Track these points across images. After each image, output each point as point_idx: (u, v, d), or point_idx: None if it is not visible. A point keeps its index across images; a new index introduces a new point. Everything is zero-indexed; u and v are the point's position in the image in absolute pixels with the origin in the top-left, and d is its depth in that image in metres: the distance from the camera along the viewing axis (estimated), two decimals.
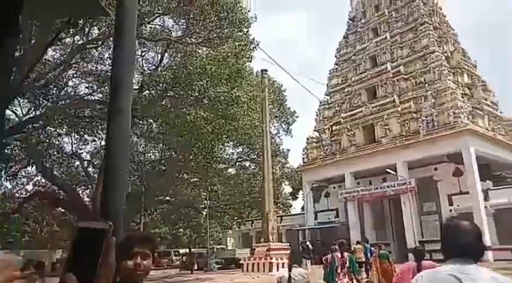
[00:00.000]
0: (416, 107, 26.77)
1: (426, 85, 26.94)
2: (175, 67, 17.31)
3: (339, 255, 10.22)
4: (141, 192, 22.53)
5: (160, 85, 16.86)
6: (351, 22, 36.58)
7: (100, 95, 21.45)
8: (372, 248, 22.37)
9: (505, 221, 21.99)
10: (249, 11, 18.62)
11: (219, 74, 15.57)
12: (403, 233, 25.04)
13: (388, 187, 26.12)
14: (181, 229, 45.66)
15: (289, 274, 4.71)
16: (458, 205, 23.96)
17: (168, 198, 32.88)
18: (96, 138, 27.55)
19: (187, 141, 18.16)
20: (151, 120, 20.99)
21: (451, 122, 24.21)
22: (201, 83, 14.76)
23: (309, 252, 24.08)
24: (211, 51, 16.79)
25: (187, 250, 37.74)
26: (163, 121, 18.52)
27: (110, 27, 20.69)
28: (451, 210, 24.37)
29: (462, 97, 25.94)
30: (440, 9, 33.28)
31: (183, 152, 21.02)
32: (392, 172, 24.71)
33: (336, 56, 35.85)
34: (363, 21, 34.31)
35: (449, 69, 27.50)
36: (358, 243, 22.07)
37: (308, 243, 25.78)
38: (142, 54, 24.57)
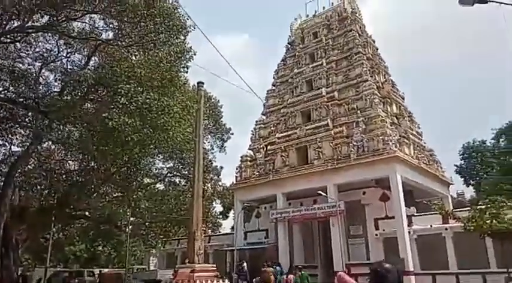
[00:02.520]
0: (348, 132, 27.35)
1: (358, 111, 27.69)
2: (100, 69, 15.80)
3: (285, 277, 10.84)
4: (53, 205, 20.15)
5: (83, 86, 15.28)
6: (289, 46, 37.15)
7: (12, 94, 19.11)
8: (283, 270, 22.30)
9: (427, 246, 22.75)
10: (187, 18, 17.80)
11: (149, 79, 14.43)
12: (330, 256, 24.99)
13: (318, 209, 26.11)
14: (100, 248, 42.34)
15: None
16: (383, 230, 24.49)
17: (86, 212, 30.24)
18: (6, 143, 24.67)
19: (110, 151, 16.59)
20: (71, 126, 19.07)
21: (380, 148, 24.93)
22: (128, 86, 13.46)
23: (245, 274, 23.18)
24: (144, 56, 15.64)
25: (105, 270, 34.85)
26: (83, 127, 16.79)
27: (30, 20, 18.71)
28: (376, 234, 24.86)
29: (391, 125, 26.95)
30: (374, 42, 34.94)
31: (105, 163, 19.24)
32: (323, 194, 24.75)
33: (273, 77, 36.06)
34: (301, 46, 34.96)
35: (380, 98, 28.60)
36: (268, 265, 21.90)
37: (244, 264, 24.82)
38: (68, 55, 22.60)
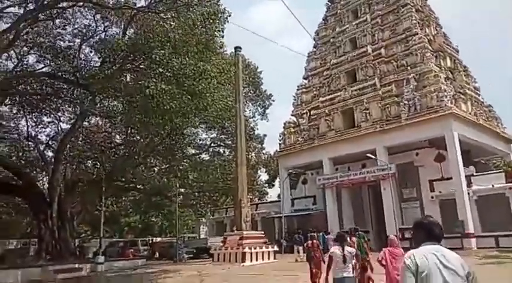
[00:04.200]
0: (398, 91, 25.62)
1: (408, 68, 25.79)
2: (134, 36, 15.35)
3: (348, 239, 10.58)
4: (102, 178, 20.60)
5: (119, 56, 14.96)
6: (330, 4, 35.02)
7: (52, 69, 19.23)
8: (329, 235, 21.58)
9: (488, 208, 21.21)
10: None
11: (184, 44, 13.80)
12: (382, 221, 24.07)
13: (367, 173, 25.04)
14: (153, 218, 43.90)
15: (343, 250, 5.85)
16: (440, 192, 23.07)
17: (138, 185, 31.05)
18: (55, 120, 25.40)
19: (152, 121, 16.37)
20: (113, 99, 19.04)
21: (434, 105, 23.16)
22: (163, 52, 12.92)
23: (301, 239, 23.07)
24: (177, 21, 14.97)
25: (158, 239, 36.11)
26: (124, 99, 16.63)
27: None
28: (432, 197, 23.50)
29: (445, 81, 24.91)
30: None
31: (149, 134, 19.16)
32: (373, 157, 23.56)
33: (314, 39, 34.35)
34: (342, 2, 32.81)
35: (432, 52, 26.42)
36: (312, 232, 21.20)
37: (299, 231, 24.60)
38: (105, 29, 22.50)
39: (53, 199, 20.73)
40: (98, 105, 21.83)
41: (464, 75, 27.89)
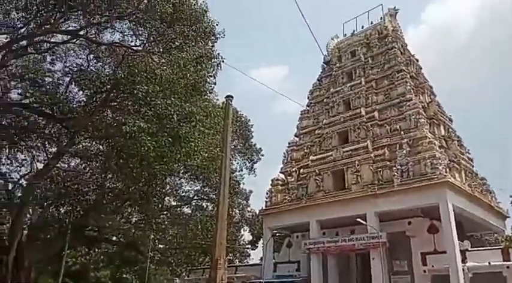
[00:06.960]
0: (391, 155, 24.83)
1: (402, 133, 25.25)
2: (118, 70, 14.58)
3: None
4: (71, 225, 18.71)
5: (101, 92, 14.06)
6: (325, 65, 35.56)
7: (27, 100, 18.10)
8: None
9: None
10: (216, 24, 16.57)
11: (171, 83, 12.99)
12: None
13: (357, 240, 23.43)
14: (125, 275, 40.77)
15: None
16: (432, 266, 21.44)
17: (113, 237, 28.90)
18: (34, 159, 23.86)
19: (128, 164, 15.09)
20: (90, 139, 17.82)
21: (428, 172, 22.26)
22: (146, 88, 12.02)
23: None
24: (166, 58, 14.32)
25: None
26: (102, 137, 15.49)
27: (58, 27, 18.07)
28: (424, 271, 21.83)
29: (439, 148, 24.30)
30: (417, 61, 32.76)
31: (125, 180, 17.71)
32: (363, 222, 22.15)
33: (308, 98, 34.36)
34: (338, 65, 33.26)
35: (426, 119, 26.12)
36: None
37: None
38: (97, 69, 21.91)
39: (12, 245, 18.71)
40: (78, 146, 20.57)
41: (458, 145, 27.43)
